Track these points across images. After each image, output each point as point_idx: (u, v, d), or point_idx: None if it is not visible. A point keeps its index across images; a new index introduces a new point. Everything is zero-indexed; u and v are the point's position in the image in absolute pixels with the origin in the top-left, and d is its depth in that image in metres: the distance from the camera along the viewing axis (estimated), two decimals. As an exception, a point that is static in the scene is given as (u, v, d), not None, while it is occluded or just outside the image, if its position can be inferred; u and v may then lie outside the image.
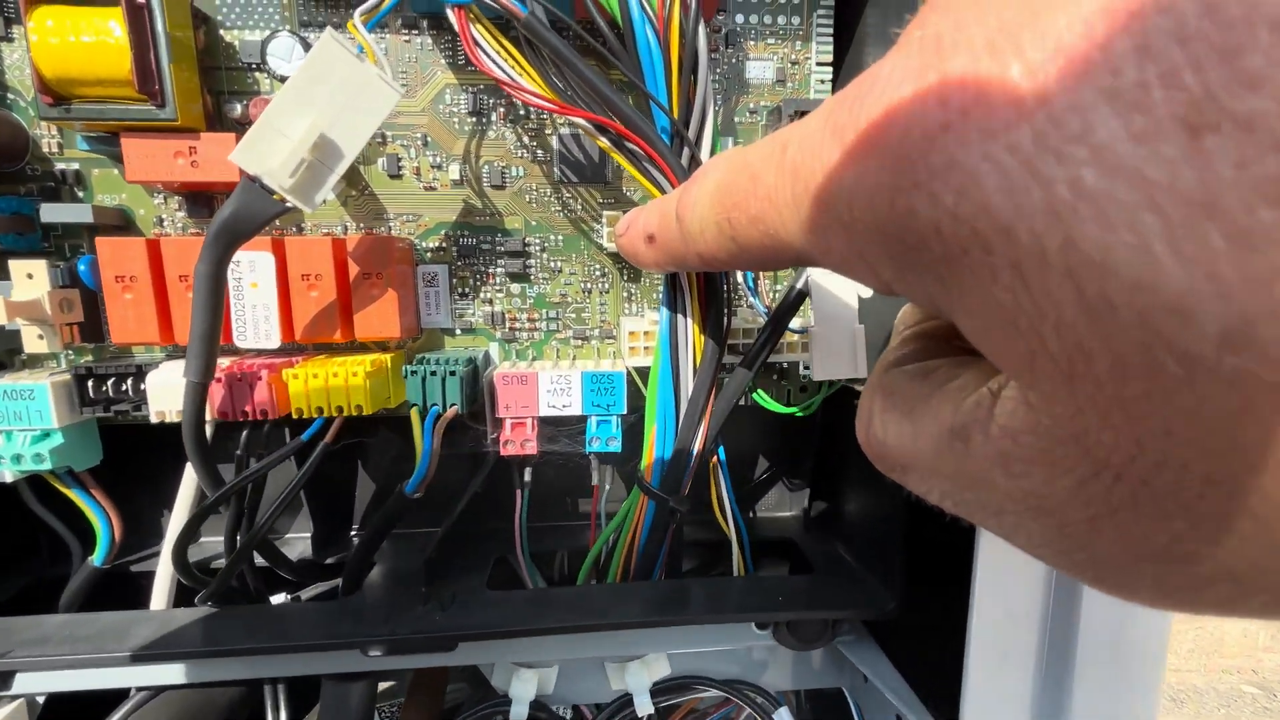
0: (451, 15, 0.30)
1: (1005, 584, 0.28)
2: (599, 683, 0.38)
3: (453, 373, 0.32)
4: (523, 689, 0.36)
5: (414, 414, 0.32)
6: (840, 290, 0.30)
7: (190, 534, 0.31)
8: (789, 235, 0.14)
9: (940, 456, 0.13)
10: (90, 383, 0.34)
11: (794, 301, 0.32)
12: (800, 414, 0.38)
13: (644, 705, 0.36)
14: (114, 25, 0.29)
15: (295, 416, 0.32)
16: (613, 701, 0.37)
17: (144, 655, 0.31)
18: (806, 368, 0.37)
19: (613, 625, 0.33)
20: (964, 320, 0.11)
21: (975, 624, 0.29)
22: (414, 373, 0.32)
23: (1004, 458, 0.11)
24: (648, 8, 0.30)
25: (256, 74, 0.34)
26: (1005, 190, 0.09)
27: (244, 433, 0.33)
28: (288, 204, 0.28)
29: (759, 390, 0.38)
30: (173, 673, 0.34)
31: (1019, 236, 0.09)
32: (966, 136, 0.09)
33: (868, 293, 0.30)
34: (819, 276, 0.31)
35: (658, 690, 0.37)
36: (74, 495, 0.36)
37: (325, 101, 0.27)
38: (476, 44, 0.30)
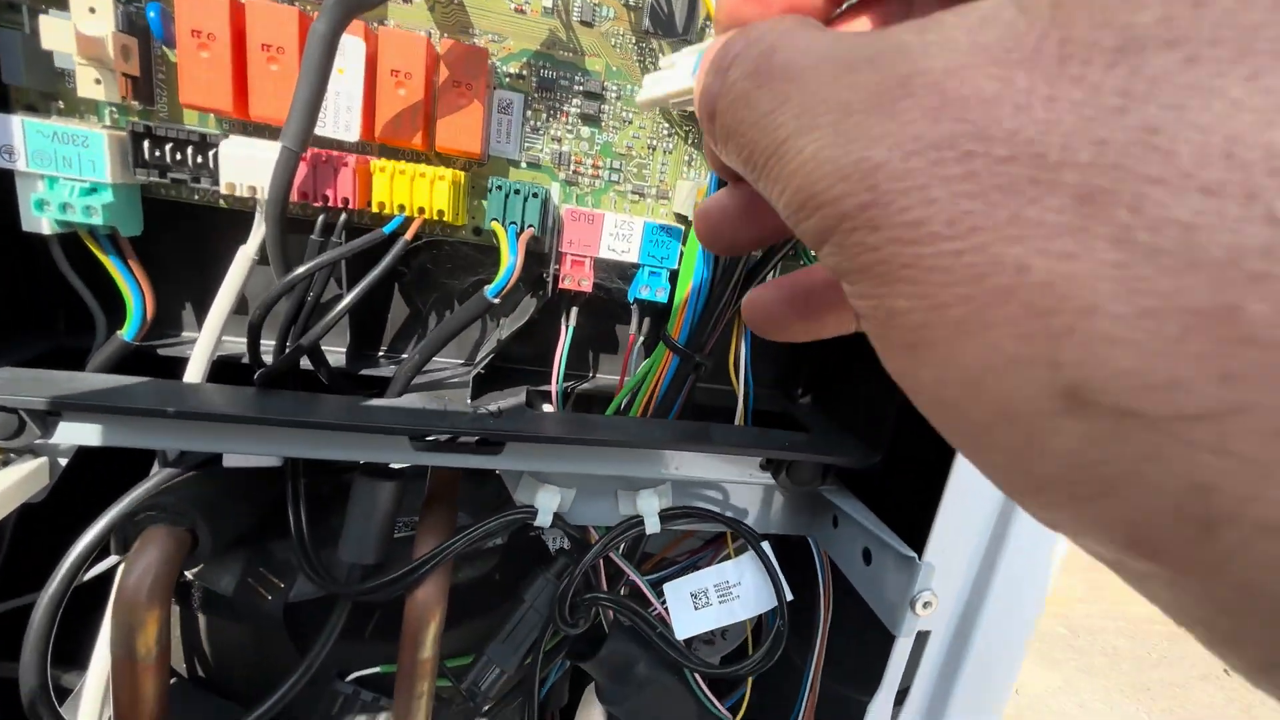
0: None
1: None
2: (609, 509, 0.43)
3: (535, 194, 0.34)
4: (548, 500, 0.40)
5: (496, 225, 0.34)
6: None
7: (266, 309, 0.32)
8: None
9: None
10: (147, 144, 0.32)
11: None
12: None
13: (652, 525, 0.41)
14: None
15: (376, 211, 0.33)
16: (623, 521, 0.42)
17: (195, 414, 0.31)
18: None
19: (646, 444, 0.37)
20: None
21: (953, 481, 0.35)
22: (499, 188, 0.34)
23: None
24: None
25: None
26: None
27: (320, 218, 0.33)
28: (415, -19, 0.28)
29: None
30: (217, 439, 0.35)
31: None
32: None
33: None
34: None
35: (663, 516, 0.42)
36: (109, 262, 0.35)
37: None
38: None
